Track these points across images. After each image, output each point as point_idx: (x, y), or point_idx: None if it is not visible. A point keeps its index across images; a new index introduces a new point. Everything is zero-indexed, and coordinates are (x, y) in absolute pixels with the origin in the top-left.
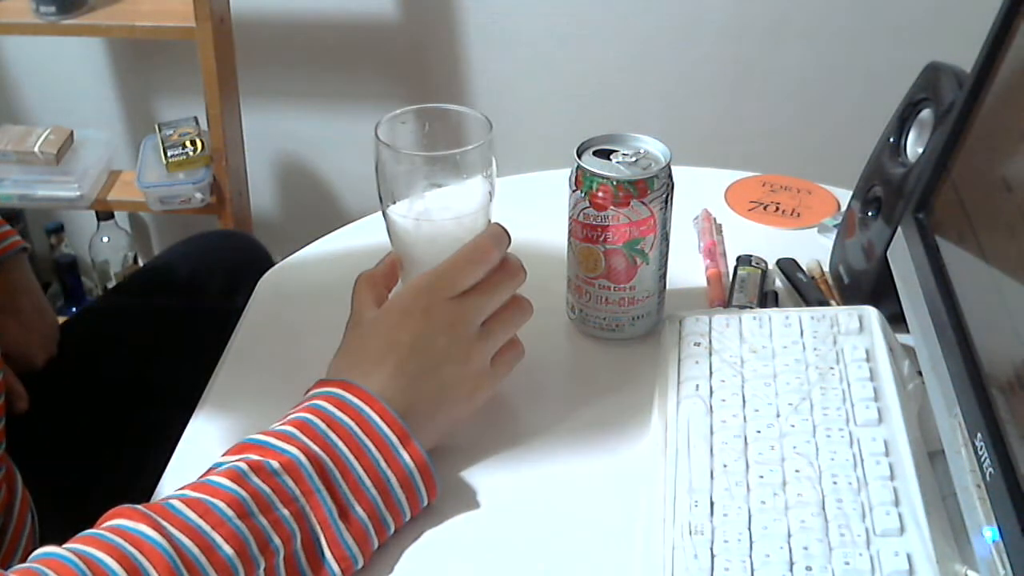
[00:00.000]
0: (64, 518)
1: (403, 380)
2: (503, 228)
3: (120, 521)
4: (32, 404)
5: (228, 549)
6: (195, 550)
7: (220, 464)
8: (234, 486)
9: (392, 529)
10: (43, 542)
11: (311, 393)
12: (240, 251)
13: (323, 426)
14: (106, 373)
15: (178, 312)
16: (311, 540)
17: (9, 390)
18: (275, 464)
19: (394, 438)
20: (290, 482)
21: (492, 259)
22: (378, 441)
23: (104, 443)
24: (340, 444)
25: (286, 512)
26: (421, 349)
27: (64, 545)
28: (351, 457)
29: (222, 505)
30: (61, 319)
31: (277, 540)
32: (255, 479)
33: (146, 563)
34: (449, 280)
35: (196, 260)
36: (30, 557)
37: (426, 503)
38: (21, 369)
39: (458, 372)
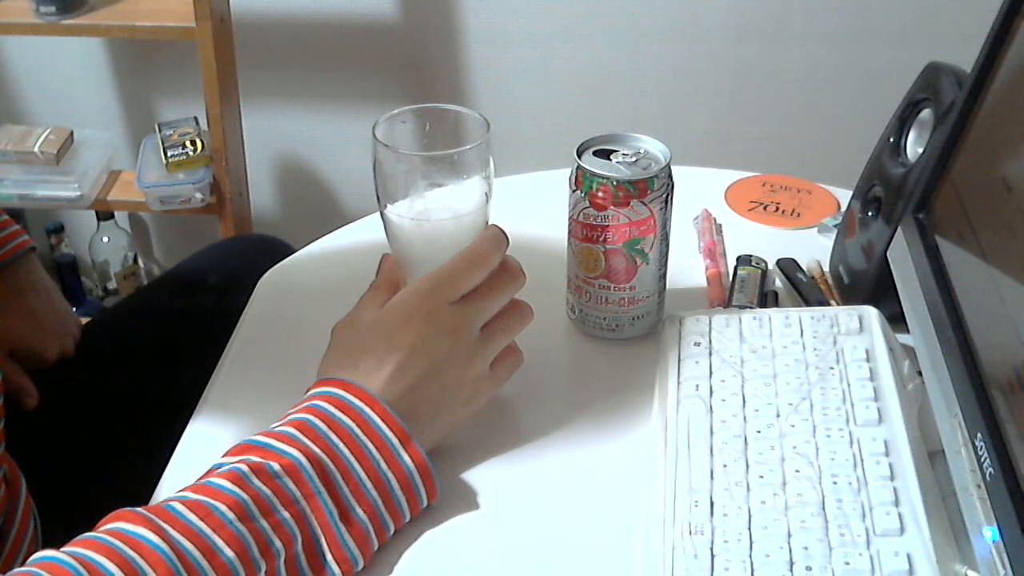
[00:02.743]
0: (68, 522)
1: (404, 383)
2: (501, 230)
3: (120, 524)
4: (43, 404)
5: (229, 552)
6: (196, 553)
7: (220, 465)
8: (235, 488)
9: (392, 531)
10: (46, 547)
11: (311, 392)
12: (274, 258)
13: (324, 427)
14: (123, 376)
15: (201, 316)
16: (312, 542)
17: (18, 387)
18: (276, 466)
19: (395, 440)
20: (291, 484)
21: (492, 262)
22: (379, 443)
23: (114, 446)
24: (341, 445)
25: (287, 515)
26: (423, 352)
27: (63, 548)
28: (352, 459)
29: (223, 508)
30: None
31: (278, 543)
32: (256, 481)
33: (146, 567)
34: (450, 284)
35: (226, 265)
36: (28, 561)
37: (426, 504)
38: (32, 366)
39: (459, 376)
